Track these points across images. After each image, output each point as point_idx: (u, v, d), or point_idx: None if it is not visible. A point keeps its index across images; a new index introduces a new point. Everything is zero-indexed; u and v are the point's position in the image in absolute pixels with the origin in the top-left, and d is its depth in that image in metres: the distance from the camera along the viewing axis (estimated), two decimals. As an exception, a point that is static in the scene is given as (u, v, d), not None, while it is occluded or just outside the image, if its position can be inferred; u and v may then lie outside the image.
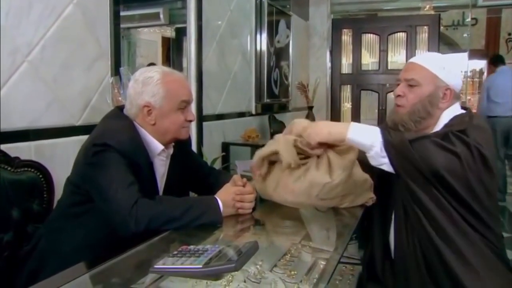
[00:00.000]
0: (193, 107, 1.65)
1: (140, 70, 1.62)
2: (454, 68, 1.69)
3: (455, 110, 1.67)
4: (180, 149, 1.70)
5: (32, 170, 1.72)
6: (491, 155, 1.51)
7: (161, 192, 1.62)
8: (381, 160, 1.49)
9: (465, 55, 6.12)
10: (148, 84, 1.53)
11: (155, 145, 1.56)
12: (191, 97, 1.62)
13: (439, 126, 1.65)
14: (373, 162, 1.51)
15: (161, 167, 1.62)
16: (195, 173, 1.80)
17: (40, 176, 1.74)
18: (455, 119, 1.62)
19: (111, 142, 1.42)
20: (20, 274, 1.52)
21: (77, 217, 1.51)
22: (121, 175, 1.40)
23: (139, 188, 1.41)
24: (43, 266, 1.46)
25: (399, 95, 1.68)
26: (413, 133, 1.55)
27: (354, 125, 1.53)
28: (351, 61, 6.01)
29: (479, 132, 1.54)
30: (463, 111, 1.68)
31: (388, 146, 1.46)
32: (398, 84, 1.72)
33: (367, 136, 1.49)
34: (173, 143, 1.65)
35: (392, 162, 1.48)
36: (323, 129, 1.56)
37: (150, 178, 1.56)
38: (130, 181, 1.39)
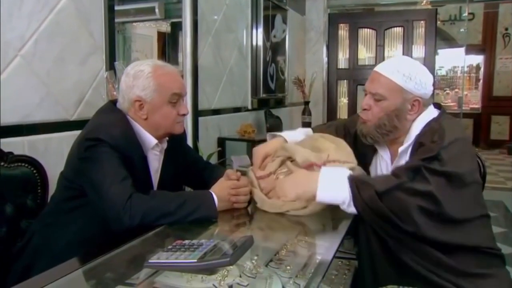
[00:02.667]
0: (188, 102, 1.64)
1: (132, 63, 1.61)
2: (422, 77, 1.58)
3: (428, 115, 1.60)
4: (175, 144, 1.69)
5: (26, 165, 1.70)
6: (470, 167, 1.48)
7: (155, 187, 1.61)
8: (353, 211, 1.45)
9: (462, 50, 6.13)
10: (139, 77, 1.52)
11: (149, 139, 1.55)
12: (184, 90, 1.60)
13: (411, 137, 1.59)
14: (347, 211, 1.46)
15: (155, 162, 1.61)
16: (190, 168, 1.79)
17: (34, 171, 1.72)
18: (427, 130, 1.54)
19: (104, 137, 1.41)
20: (14, 270, 1.50)
21: (70, 212, 1.50)
22: (114, 170, 1.39)
23: (133, 182, 1.40)
24: (37, 262, 1.45)
25: (365, 109, 1.62)
26: (384, 179, 1.46)
27: (321, 182, 1.44)
28: (347, 56, 6.00)
29: (454, 145, 1.46)
30: (435, 114, 1.61)
31: (357, 202, 1.42)
32: (365, 94, 1.65)
33: (337, 194, 1.44)
34: (167, 138, 1.64)
35: (362, 216, 1.45)
36: (290, 191, 1.49)
37: (144, 172, 1.55)
38: (123, 176, 1.38)
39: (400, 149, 1.61)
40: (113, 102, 1.63)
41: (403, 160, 1.61)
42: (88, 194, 1.43)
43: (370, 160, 1.75)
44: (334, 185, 1.45)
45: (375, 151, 1.76)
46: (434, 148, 1.44)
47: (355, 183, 1.43)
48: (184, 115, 1.60)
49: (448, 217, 1.41)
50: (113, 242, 1.24)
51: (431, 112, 1.62)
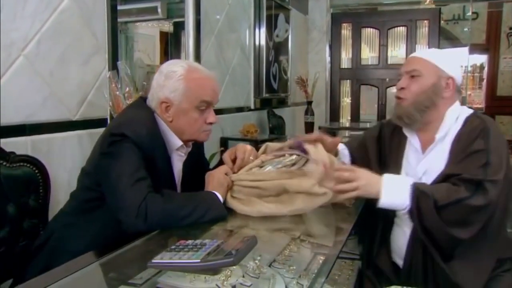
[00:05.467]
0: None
1: (168, 62, 1.59)
2: (454, 60, 1.72)
3: (459, 108, 1.68)
4: (197, 146, 1.68)
5: (28, 165, 1.69)
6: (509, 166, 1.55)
7: (178, 187, 1.59)
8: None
9: (465, 49, 6.10)
10: (170, 78, 1.49)
11: (174, 140, 1.52)
12: (215, 98, 1.56)
13: (445, 124, 1.64)
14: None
15: (178, 162, 1.58)
16: (201, 173, 1.77)
17: (36, 171, 1.71)
18: (469, 124, 1.61)
19: (129, 133, 1.38)
20: (31, 269, 1.48)
21: (92, 212, 1.48)
22: (132, 170, 1.35)
23: (155, 182, 1.38)
24: (55, 262, 1.42)
25: (402, 88, 1.68)
26: (445, 190, 1.48)
27: (384, 188, 1.50)
28: (350, 55, 5.99)
29: (500, 143, 1.56)
30: (470, 111, 1.68)
31: (413, 213, 1.48)
32: (399, 79, 1.72)
33: (399, 201, 1.49)
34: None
35: (415, 225, 1.52)
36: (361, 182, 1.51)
37: (167, 173, 1.52)
38: (139, 176, 1.35)
39: (438, 135, 1.64)
40: (144, 98, 1.60)
41: (439, 148, 1.64)
42: (104, 192, 1.41)
43: (403, 151, 1.77)
44: (397, 192, 1.50)
45: (405, 140, 1.77)
46: (482, 155, 1.50)
47: (416, 192, 1.48)
48: (211, 123, 1.56)
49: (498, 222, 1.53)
50: (118, 242, 1.24)
51: (464, 108, 1.70)
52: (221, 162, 1.75)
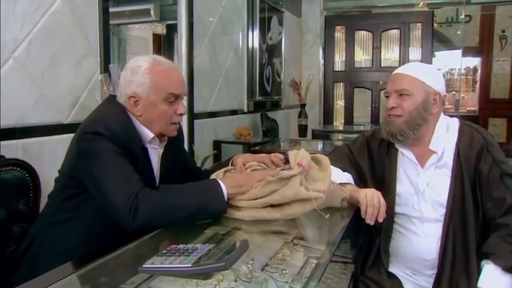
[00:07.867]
0: (184, 104, 1.59)
1: (133, 58, 1.58)
2: (436, 73, 1.73)
3: (444, 119, 1.72)
4: (173, 141, 1.66)
5: (18, 169, 1.68)
6: None
7: (157, 180, 1.58)
8: None
9: (458, 52, 6.13)
10: (136, 73, 1.49)
11: (146, 132, 1.51)
12: (183, 90, 1.55)
13: (438, 137, 1.68)
14: None
15: (154, 155, 1.57)
16: (184, 170, 1.76)
17: (26, 175, 1.70)
18: (465, 135, 1.66)
19: (103, 130, 1.37)
20: (18, 274, 1.46)
21: (74, 209, 1.47)
22: (117, 167, 1.35)
23: (139, 178, 1.37)
24: (43, 264, 1.39)
25: (393, 107, 1.68)
26: None
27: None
28: (344, 58, 6.01)
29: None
30: (456, 120, 1.73)
31: None
32: (387, 96, 1.72)
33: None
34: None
35: None
36: None
37: (146, 165, 1.51)
38: (127, 173, 1.35)
39: (435, 149, 1.67)
40: (114, 96, 1.59)
41: (441, 164, 1.67)
42: (91, 192, 1.39)
43: (396, 164, 1.76)
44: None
45: (396, 153, 1.77)
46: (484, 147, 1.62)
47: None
48: (181, 114, 1.55)
49: None
50: (118, 238, 1.23)
51: (447, 117, 1.74)
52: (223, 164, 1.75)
